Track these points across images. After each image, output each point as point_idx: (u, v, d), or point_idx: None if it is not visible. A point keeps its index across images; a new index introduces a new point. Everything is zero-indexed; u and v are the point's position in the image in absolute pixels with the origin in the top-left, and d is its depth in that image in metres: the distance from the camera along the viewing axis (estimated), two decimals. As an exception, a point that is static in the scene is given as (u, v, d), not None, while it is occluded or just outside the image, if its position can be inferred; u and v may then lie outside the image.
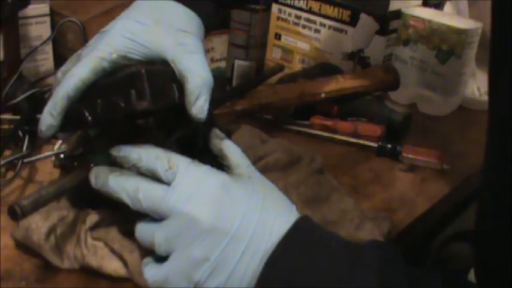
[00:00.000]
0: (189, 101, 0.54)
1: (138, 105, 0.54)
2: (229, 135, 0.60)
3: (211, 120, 0.58)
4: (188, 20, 0.60)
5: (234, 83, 1.08)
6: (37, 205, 0.52)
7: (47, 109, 0.56)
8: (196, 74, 0.55)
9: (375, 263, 0.50)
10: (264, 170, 0.66)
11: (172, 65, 0.56)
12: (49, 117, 0.56)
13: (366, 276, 0.49)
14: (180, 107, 0.55)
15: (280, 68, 1.03)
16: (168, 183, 0.52)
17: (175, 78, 0.55)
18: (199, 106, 0.54)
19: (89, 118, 0.55)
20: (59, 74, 0.59)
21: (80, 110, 0.56)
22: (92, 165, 0.58)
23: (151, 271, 0.52)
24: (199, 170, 0.53)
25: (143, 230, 0.52)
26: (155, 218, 0.52)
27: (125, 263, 0.58)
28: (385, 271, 0.49)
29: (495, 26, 0.56)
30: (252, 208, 0.51)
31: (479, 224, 0.58)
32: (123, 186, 0.53)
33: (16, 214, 0.51)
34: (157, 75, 0.55)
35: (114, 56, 0.56)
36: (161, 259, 0.52)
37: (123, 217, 0.63)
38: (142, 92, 0.54)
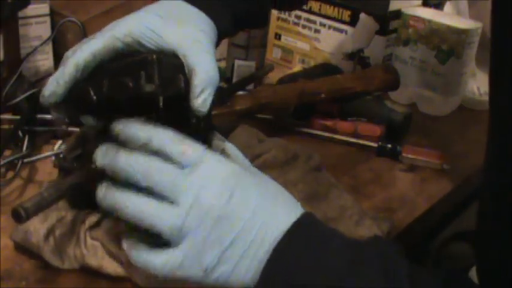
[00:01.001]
0: (194, 93, 0.55)
1: (147, 87, 0.54)
2: (227, 135, 0.60)
3: (210, 123, 0.58)
4: (206, 24, 0.61)
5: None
6: (40, 207, 0.52)
7: (54, 77, 0.56)
8: (205, 70, 0.56)
9: (377, 259, 0.50)
10: (262, 168, 0.65)
11: (182, 59, 0.57)
12: (54, 84, 0.56)
13: (369, 272, 0.49)
14: (181, 106, 0.55)
15: (270, 68, 1.04)
16: (180, 167, 0.51)
17: (184, 72, 0.56)
18: (202, 99, 0.55)
19: (94, 97, 0.55)
20: (69, 52, 0.58)
21: (85, 87, 0.55)
22: (92, 166, 0.58)
23: (161, 257, 0.50)
24: (214, 157, 0.52)
25: (151, 213, 0.50)
26: (163, 200, 0.50)
27: (122, 264, 0.58)
28: (387, 268, 0.49)
29: (495, 26, 0.56)
30: (263, 198, 0.52)
31: (479, 224, 0.58)
32: (134, 163, 0.50)
33: (20, 216, 0.51)
34: (167, 64, 0.56)
35: (129, 39, 0.57)
36: (157, 245, 0.50)
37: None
38: (151, 75, 0.54)
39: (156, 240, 0.50)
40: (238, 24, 0.69)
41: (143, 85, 0.54)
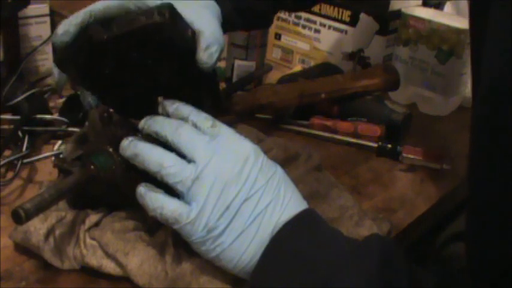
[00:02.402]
0: (201, 47, 0.58)
1: (158, 19, 0.54)
2: None
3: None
4: (212, 4, 0.65)
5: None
6: (40, 208, 0.52)
7: (68, 19, 0.58)
8: (211, 31, 0.59)
9: (376, 252, 0.51)
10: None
11: (191, 25, 0.59)
12: (68, 24, 0.58)
13: (367, 266, 0.50)
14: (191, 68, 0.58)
15: (269, 67, 1.05)
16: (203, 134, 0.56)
17: (193, 30, 0.59)
18: (209, 53, 0.58)
19: (104, 34, 0.55)
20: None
21: (94, 26, 0.56)
22: (92, 167, 0.58)
23: (175, 203, 0.53)
24: (239, 135, 0.58)
25: (170, 164, 0.54)
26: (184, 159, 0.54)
27: (120, 265, 0.58)
28: (385, 264, 0.50)
29: (473, 29, 0.58)
30: (276, 177, 0.55)
31: (469, 221, 0.59)
32: (168, 122, 0.57)
33: (20, 217, 0.51)
34: (179, 18, 0.57)
35: (139, 2, 0.59)
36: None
37: (123, 216, 0.63)
38: (163, 12, 0.55)
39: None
40: (242, 17, 0.72)
41: (156, 17, 0.55)
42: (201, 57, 0.58)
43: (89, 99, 0.63)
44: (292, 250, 0.52)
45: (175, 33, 0.57)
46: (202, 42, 0.58)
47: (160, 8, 0.55)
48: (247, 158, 0.55)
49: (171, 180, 0.54)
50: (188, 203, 0.53)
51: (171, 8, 0.56)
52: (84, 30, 0.57)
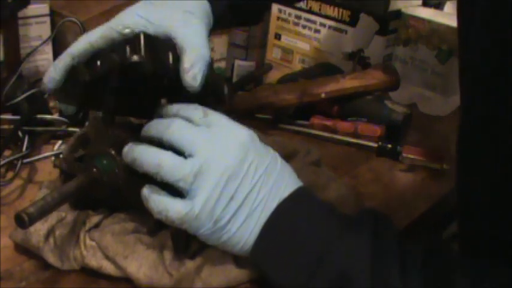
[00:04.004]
0: (184, 68, 0.57)
1: (132, 58, 0.55)
2: None
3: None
4: (198, 6, 0.64)
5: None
6: (44, 212, 0.52)
7: (53, 64, 0.59)
8: (194, 47, 0.58)
9: (368, 228, 0.53)
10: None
11: (174, 40, 0.59)
12: (52, 71, 0.59)
13: (359, 239, 0.52)
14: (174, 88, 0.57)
15: (269, 67, 1.05)
16: (199, 127, 0.55)
17: (175, 51, 0.58)
18: (192, 74, 0.57)
19: (87, 76, 0.57)
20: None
21: (80, 68, 0.58)
22: (95, 170, 0.58)
23: (180, 204, 0.53)
24: (231, 122, 0.57)
25: (168, 163, 0.53)
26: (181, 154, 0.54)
27: (120, 268, 0.58)
28: (376, 236, 0.53)
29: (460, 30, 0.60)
30: (271, 168, 0.55)
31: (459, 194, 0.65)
32: (158, 122, 0.56)
33: (24, 222, 0.51)
34: (156, 41, 0.58)
35: (123, 27, 0.59)
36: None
37: (123, 218, 0.63)
38: (137, 47, 0.56)
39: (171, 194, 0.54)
40: (235, 12, 0.71)
41: (129, 57, 0.55)
42: (185, 80, 0.56)
43: (68, 109, 0.64)
44: (288, 226, 0.54)
45: (155, 65, 0.56)
46: (185, 62, 0.57)
47: (134, 42, 0.56)
48: (246, 145, 0.54)
49: (171, 179, 0.53)
50: (192, 198, 0.53)
51: (145, 38, 0.56)
52: (70, 73, 0.58)
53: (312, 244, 0.53)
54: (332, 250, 0.52)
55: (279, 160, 0.57)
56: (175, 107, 0.57)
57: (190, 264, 0.57)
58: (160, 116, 0.58)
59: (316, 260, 0.52)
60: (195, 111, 0.56)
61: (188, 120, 0.56)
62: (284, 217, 0.54)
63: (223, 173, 0.53)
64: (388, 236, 0.53)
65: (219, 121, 0.56)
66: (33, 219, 0.51)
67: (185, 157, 0.54)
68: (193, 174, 0.53)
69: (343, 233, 0.53)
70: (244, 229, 0.54)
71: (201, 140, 0.54)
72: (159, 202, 0.53)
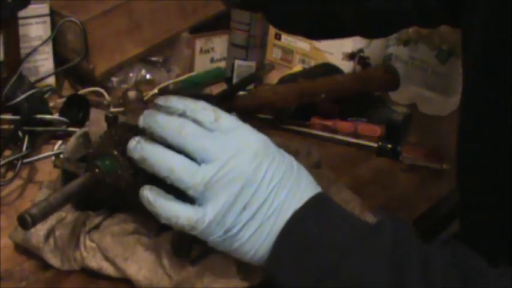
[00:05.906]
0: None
1: (90, 175, 0.56)
2: None
3: None
4: None
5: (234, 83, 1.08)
6: (46, 213, 0.52)
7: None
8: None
9: (388, 237, 0.51)
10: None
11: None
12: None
13: (379, 248, 0.50)
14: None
15: (271, 67, 1.04)
16: (212, 132, 0.53)
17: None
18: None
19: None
20: None
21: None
22: (98, 170, 0.57)
23: (187, 212, 0.51)
24: (246, 127, 0.54)
25: (181, 167, 0.51)
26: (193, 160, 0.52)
27: (119, 269, 0.58)
28: (397, 246, 0.50)
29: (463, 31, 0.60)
30: (289, 174, 0.53)
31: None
32: (170, 123, 0.53)
33: (27, 223, 0.50)
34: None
35: None
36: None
37: (123, 218, 0.63)
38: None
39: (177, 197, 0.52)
40: None
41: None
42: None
43: None
44: (304, 235, 0.52)
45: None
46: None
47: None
48: (261, 152, 0.52)
49: (182, 185, 0.51)
50: (203, 205, 0.51)
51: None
52: None
53: (329, 254, 0.51)
54: (348, 260, 0.50)
55: (295, 165, 0.55)
56: (180, 104, 0.54)
57: (191, 268, 0.57)
58: (164, 108, 0.55)
59: (332, 270, 0.50)
60: (204, 112, 0.53)
61: (199, 123, 0.53)
62: (299, 227, 0.52)
63: (237, 182, 0.51)
64: (408, 245, 0.51)
65: (232, 125, 0.53)
66: (36, 220, 0.51)
67: (197, 162, 0.52)
68: (205, 182, 0.51)
69: (360, 242, 0.51)
70: (256, 238, 0.52)
71: (214, 147, 0.52)
72: (168, 209, 0.51)
